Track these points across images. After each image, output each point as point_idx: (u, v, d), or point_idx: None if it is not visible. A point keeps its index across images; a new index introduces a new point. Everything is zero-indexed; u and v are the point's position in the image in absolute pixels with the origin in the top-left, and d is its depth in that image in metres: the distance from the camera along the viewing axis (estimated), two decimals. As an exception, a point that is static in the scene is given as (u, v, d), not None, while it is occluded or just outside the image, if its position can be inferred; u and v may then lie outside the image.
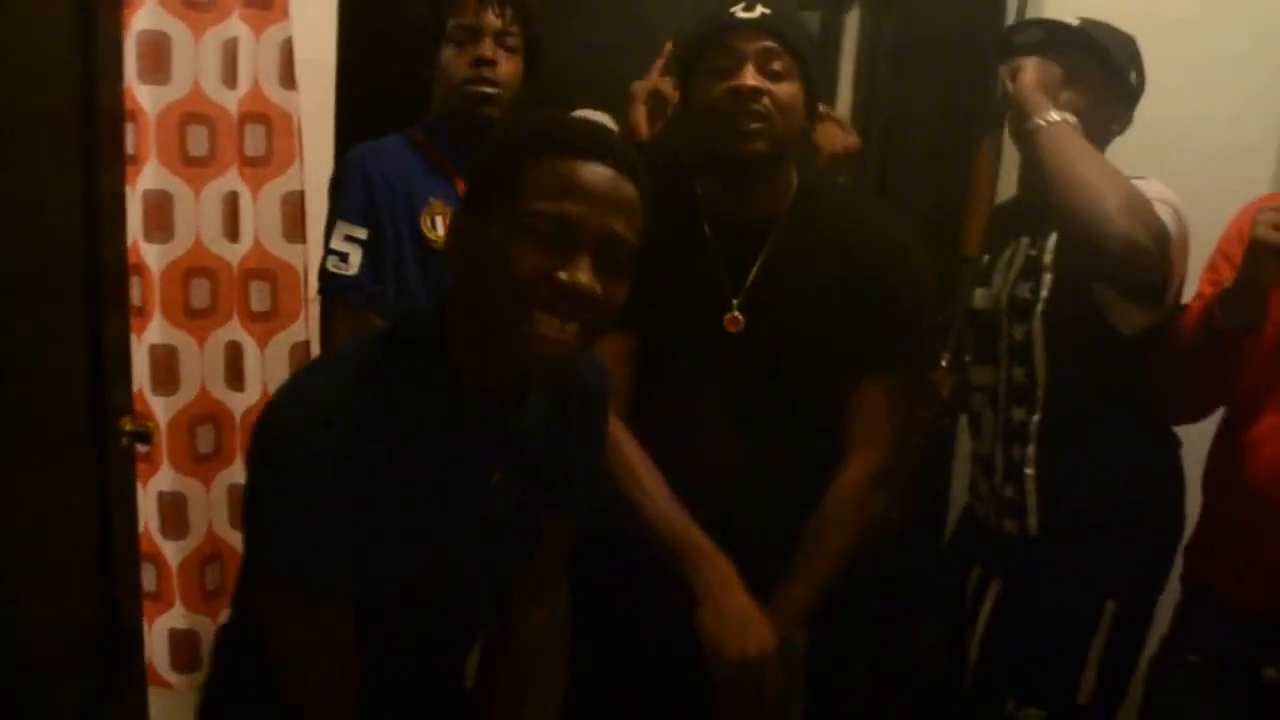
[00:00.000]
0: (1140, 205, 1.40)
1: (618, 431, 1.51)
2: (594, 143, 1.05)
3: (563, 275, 1.02)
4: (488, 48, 1.70)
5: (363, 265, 1.68)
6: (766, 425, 1.56)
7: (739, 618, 1.42)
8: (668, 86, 1.88)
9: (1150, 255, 1.39)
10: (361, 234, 1.69)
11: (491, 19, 1.70)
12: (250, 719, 1.19)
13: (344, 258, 1.68)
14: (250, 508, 1.09)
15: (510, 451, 1.17)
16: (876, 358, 1.54)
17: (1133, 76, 1.61)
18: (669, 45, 1.93)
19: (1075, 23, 1.58)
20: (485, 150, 1.15)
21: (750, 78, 1.44)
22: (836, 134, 1.90)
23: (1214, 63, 2.03)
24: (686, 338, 1.55)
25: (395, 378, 1.08)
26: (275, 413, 1.06)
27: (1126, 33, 1.61)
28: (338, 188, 1.72)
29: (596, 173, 1.03)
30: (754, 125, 1.44)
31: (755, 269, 1.53)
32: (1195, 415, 1.62)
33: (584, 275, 1.02)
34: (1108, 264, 1.43)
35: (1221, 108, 2.04)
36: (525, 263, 1.01)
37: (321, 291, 1.74)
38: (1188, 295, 1.58)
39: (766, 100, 1.44)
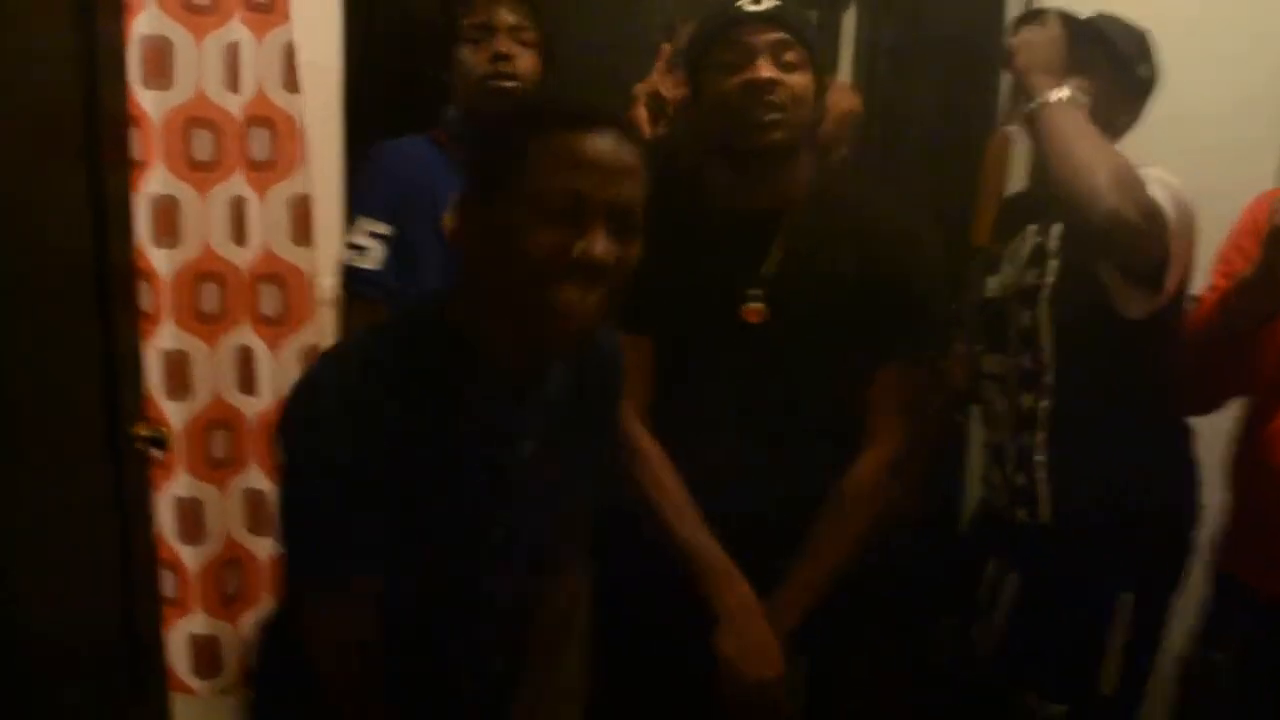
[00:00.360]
0: (1131, 181, 1.40)
1: (644, 441, 1.54)
2: (591, 113, 1.07)
3: (578, 249, 1.02)
4: (503, 43, 1.71)
5: (383, 261, 1.69)
6: (783, 419, 1.56)
7: (757, 643, 1.47)
8: (669, 87, 1.88)
9: (1140, 231, 1.39)
10: (383, 229, 1.70)
11: (505, 15, 1.72)
12: (295, 713, 1.20)
13: (363, 251, 1.69)
14: (280, 492, 1.10)
15: (527, 432, 1.18)
16: (892, 348, 1.55)
17: (1143, 70, 1.60)
18: (666, 46, 1.93)
19: (1085, 15, 1.58)
20: (481, 133, 1.15)
21: (765, 70, 1.44)
22: (840, 96, 1.89)
23: (1217, 59, 2.04)
24: (702, 332, 1.55)
25: (412, 361, 1.09)
26: (297, 398, 1.09)
27: (1139, 27, 1.61)
28: (360, 183, 1.72)
29: (598, 143, 1.05)
30: (771, 116, 1.45)
31: (775, 259, 1.53)
32: (1208, 408, 1.61)
33: (599, 245, 1.03)
34: (1098, 239, 1.43)
35: (1229, 103, 2.05)
36: (539, 241, 1.03)
37: (342, 285, 1.75)
38: (1199, 288, 1.57)
39: (782, 91, 1.44)
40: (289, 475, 1.08)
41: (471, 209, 1.09)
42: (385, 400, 1.05)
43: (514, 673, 1.34)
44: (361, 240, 1.70)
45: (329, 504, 1.05)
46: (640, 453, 1.54)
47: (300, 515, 1.09)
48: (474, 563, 1.19)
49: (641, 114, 1.88)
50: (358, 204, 1.73)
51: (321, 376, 1.10)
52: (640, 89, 1.90)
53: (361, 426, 1.03)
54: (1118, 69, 1.59)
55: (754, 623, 1.49)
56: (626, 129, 1.08)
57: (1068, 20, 1.57)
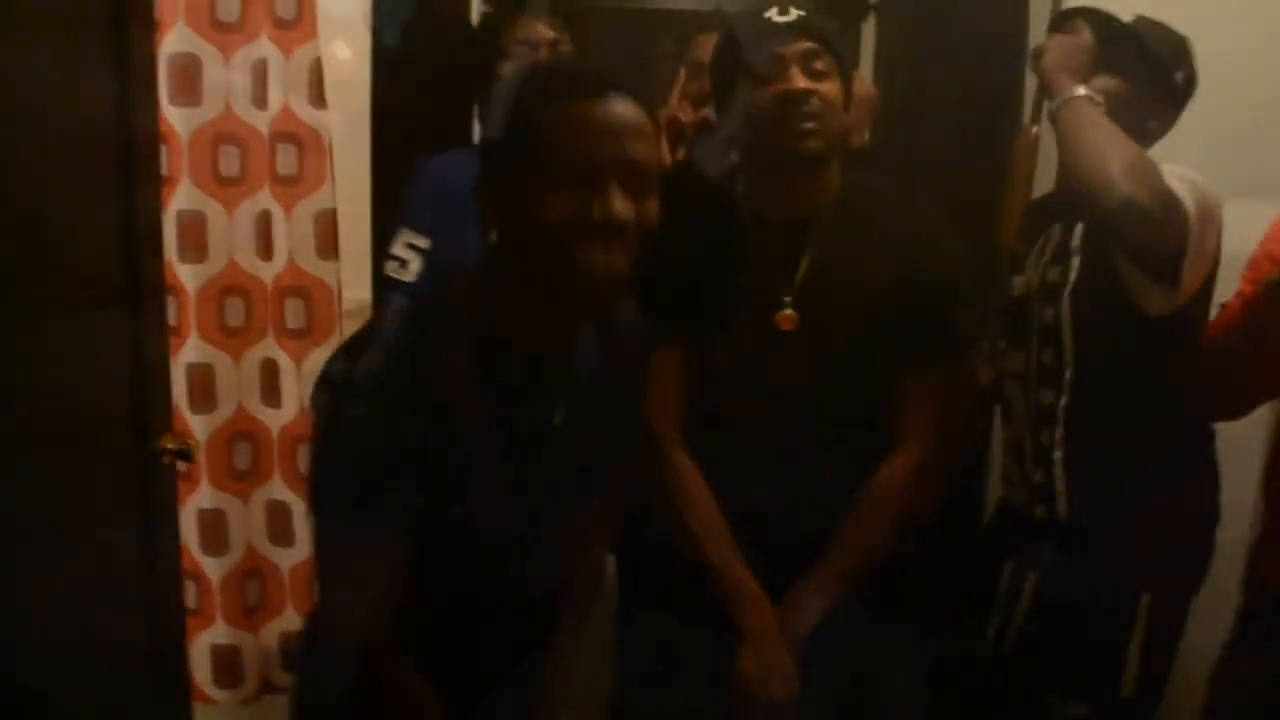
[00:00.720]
0: (1145, 169, 1.40)
1: (676, 456, 1.55)
2: (598, 78, 1.09)
3: (596, 211, 1.05)
4: (545, 56, 1.72)
5: (422, 274, 1.70)
6: (814, 424, 1.56)
7: (776, 666, 1.50)
8: (686, 112, 1.89)
9: (1155, 220, 1.38)
10: (424, 243, 1.72)
11: (543, 30, 1.74)
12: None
13: (404, 264, 1.71)
14: (314, 440, 1.12)
15: (558, 399, 1.19)
16: (921, 353, 1.55)
17: (1179, 76, 1.60)
18: (683, 72, 1.94)
19: (1125, 19, 1.58)
20: (492, 106, 1.17)
21: (799, 80, 1.45)
22: (857, 85, 1.90)
23: (1229, 58, 2.00)
24: (734, 340, 1.56)
25: (446, 328, 1.12)
26: (337, 355, 1.12)
27: (1178, 33, 1.61)
28: (406, 196, 1.75)
29: (608, 106, 1.07)
30: (807, 125, 1.46)
31: (806, 266, 1.54)
32: (1234, 413, 1.60)
33: (617, 206, 1.06)
34: (1113, 228, 1.43)
35: (1249, 100, 2.01)
36: (558, 207, 1.05)
37: (379, 297, 1.76)
38: (1226, 295, 1.57)
39: (815, 101, 1.45)
40: (323, 425, 1.10)
41: (492, 183, 1.12)
42: (420, 361, 1.08)
43: (543, 642, 1.34)
44: (402, 253, 1.73)
45: (359, 452, 1.07)
46: (673, 467, 1.55)
47: (330, 460, 1.10)
48: (506, 529, 1.20)
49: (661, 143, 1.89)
50: (402, 216, 1.75)
51: (361, 337, 1.13)
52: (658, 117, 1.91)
53: (397, 382, 1.06)
54: (1152, 73, 1.58)
55: (775, 646, 1.51)
56: (634, 91, 1.10)
57: (1104, 21, 1.57)
